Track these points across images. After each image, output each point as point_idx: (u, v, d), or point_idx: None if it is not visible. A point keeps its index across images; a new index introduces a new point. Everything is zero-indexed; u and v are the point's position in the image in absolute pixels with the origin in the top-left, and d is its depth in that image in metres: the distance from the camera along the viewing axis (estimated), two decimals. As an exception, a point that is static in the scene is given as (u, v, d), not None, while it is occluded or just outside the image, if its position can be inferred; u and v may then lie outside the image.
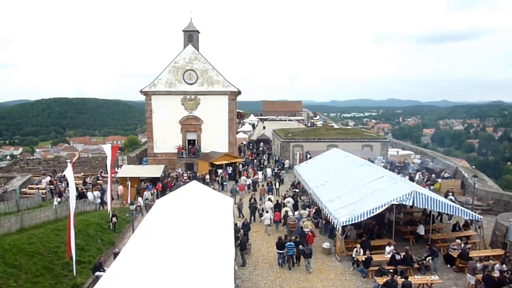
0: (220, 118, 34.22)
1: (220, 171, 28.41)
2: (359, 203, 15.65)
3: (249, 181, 24.77)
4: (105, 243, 16.32)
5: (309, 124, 73.82)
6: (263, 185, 25.83)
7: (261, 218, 18.77)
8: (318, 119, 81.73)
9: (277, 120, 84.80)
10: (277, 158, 36.11)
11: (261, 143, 45.14)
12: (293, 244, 14.83)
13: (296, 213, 19.01)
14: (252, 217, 19.09)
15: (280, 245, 14.92)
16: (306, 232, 16.13)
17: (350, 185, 18.03)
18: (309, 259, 14.45)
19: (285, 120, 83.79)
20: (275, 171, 29.81)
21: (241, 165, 32.02)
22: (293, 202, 20.39)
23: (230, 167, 30.03)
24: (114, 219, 17.86)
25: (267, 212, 19.04)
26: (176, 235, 11.10)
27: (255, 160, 34.16)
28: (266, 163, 34.25)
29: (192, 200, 14.28)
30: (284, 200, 20.58)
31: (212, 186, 23.40)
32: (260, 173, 29.26)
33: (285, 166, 32.57)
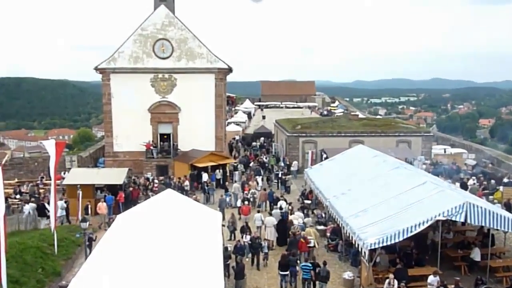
0: (204, 105, 34.24)
1: (205, 176, 28.45)
2: (392, 219, 15.69)
3: (238, 201, 24.29)
4: (48, 273, 16.27)
5: (325, 113, 73.91)
6: (264, 189, 25.93)
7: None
8: (337, 106, 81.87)
9: (282, 108, 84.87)
10: (278, 156, 36.09)
11: (261, 138, 45.18)
12: (309, 265, 15.07)
13: (300, 219, 19.66)
14: (255, 259, 17.71)
15: (285, 264, 15.10)
16: (299, 238, 16.84)
17: (381, 194, 18.07)
18: (324, 283, 14.78)
19: (292, 108, 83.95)
20: (279, 175, 29.88)
21: (233, 168, 32.14)
22: (303, 217, 20.49)
23: (219, 171, 30.05)
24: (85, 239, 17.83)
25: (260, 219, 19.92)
26: (143, 263, 11.09)
27: (251, 163, 34.17)
28: (266, 160, 34.34)
29: (166, 215, 14.26)
30: (290, 215, 20.72)
31: (194, 196, 23.42)
32: (259, 178, 29.45)
33: (292, 169, 32.62)
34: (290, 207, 22.00)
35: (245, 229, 19.01)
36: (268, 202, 24.63)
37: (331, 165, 25.34)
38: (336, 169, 24.09)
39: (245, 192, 25.66)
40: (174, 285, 10.30)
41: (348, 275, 15.99)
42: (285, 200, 23.28)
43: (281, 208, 21.76)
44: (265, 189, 26.00)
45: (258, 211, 21.49)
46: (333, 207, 19.00)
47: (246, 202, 23.10)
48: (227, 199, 25.19)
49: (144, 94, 33.93)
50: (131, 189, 25.42)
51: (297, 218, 20.11)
